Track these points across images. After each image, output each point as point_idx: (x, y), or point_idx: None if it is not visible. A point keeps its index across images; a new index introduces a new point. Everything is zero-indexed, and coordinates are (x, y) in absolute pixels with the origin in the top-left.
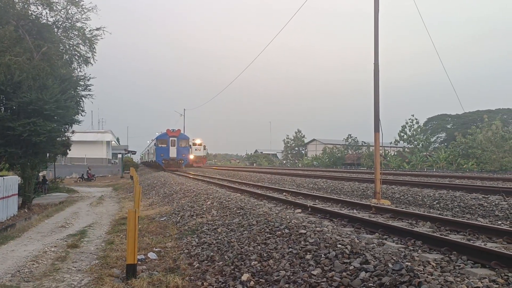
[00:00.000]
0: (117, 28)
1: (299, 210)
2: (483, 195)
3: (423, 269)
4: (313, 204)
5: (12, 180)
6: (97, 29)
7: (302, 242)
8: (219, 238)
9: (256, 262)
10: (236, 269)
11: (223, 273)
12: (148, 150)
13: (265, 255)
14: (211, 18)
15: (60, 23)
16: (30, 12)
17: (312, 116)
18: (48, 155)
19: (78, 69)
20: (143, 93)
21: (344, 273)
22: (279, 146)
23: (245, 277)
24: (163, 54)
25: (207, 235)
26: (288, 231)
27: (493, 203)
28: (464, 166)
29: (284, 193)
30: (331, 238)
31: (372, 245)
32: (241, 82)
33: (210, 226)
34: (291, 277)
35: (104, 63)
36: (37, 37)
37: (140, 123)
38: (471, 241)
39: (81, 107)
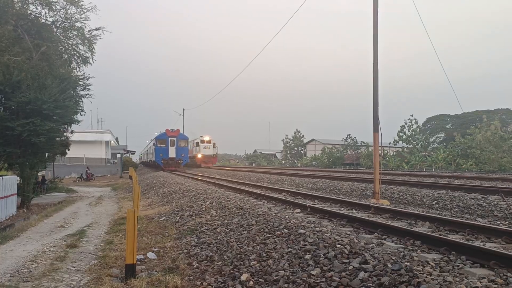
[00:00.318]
0: (116, 28)
1: (298, 210)
2: (482, 195)
3: (422, 269)
4: (312, 204)
5: (11, 180)
6: (97, 29)
7: (301, 242)
8: (218, 238)
9: (255, 262)
10: (235, 269)
11: (222, 273)
12: (147, 150)
13: (264, 255)
14: (211, 18)
15: (59, 23)
16: (29, 11)
17: (311, 116)
18: (47, 154)
19: (77, 69)
20: (142, 93)
21: (343, 273)
22: (278, 146)
23: (244, 277)
24: (162, 54)
25: (206, 235)
26: (287, 231)
27: (492, 203)
28: (463, 166)
29: (283, 193)
30: (330, 238)
31: (371, 245)
32: (240, 82)
33: (209, 226)
34: (290, 277)
35: (103, 63)
36: (36, 36)
37: (139, 123)
38: (470, 241)
39: (80, 106)
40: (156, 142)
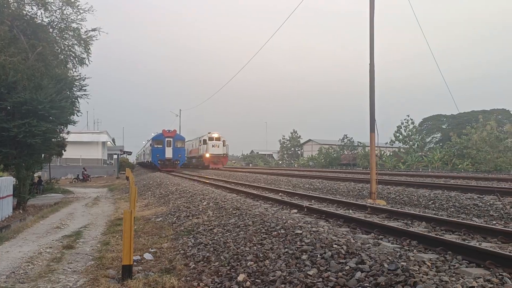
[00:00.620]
0: (114, 28)
1: (295, 211)
2: (478, 195)
3: (419, 269)
4: (309, 204)
5: (7, 181)
6: (93, 29)
7: (298, 243)
8: (215, 238)
9: (252, 262)
10: (232, 270)
11: (219, 273)
12: (144, 150)
13: (261, 255)
14: (210, 18)
15: (55, 23)
16: (24, 12)
17: (309, 116)
18: (43, 155)
19: (74, 70)
20: (140, 93)
21: (340, 273)
22: (275, 146)
23: (241, 277)
24: (161, 54)
25: (203, 236)
26: (284, 231)
27: (488, 203)
28: (459, 166)
29: (280, 194)
30: (327, 238)
31: (367, 245)
32: (237, 83)
33: (206, 226)
34: (287, 277)
35: (100, 63)
36: (32, 37)
37: (137, 124)
38: (466, 241)
39: (77, 107)
40: (153, 143)
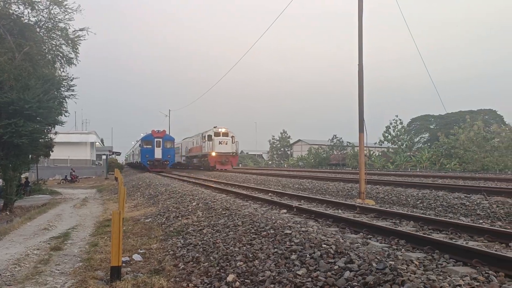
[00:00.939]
0: (100, 27)
1: (285, 211)
2: (465, 195)
3: (406, 268)
4: (299, 204)
5: None
6: (81, 29)
7: (288, 243)
8: (205, 239)
9: (241, 262)
10: (221, 270)
11: (209, 274)
12: (133, 151)
13: (250, 255)
14: (200, 18)
15: (42, 23)
16: (11, 11)
17: (299, 116)
18: (30, 156)
19: (61, 70)
20: (128, 94)
21: (329, 273)
22: (264, 146)
23: (230, 277)
24: (148, 54)
25: (192, 236)
26: (273, 231)
27: (475, 202)
28: (447, 166)
29: (269, 194)
30: (316, 238)
31: (356, 244)
32: (226, 82)
33: (195, 227)
34: (277, 277)
35: (88, 63)
36: (19, 36)
37: (125, 124)
38: (453, 240)
39: (64, 107)
40: (142, 143)
